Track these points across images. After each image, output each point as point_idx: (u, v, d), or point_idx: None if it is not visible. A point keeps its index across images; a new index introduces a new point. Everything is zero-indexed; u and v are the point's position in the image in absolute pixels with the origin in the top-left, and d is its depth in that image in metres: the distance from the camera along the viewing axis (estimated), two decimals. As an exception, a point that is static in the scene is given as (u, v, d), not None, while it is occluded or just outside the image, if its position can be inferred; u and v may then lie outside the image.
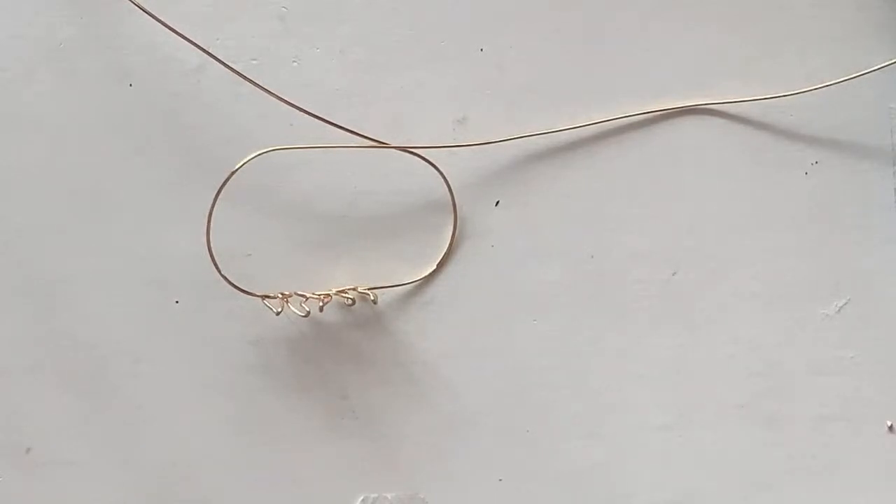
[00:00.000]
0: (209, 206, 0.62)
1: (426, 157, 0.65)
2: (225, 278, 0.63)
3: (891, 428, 0.67)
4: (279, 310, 0.63)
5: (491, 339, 0.66)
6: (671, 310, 0.66)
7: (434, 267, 0.66)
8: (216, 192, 0.62)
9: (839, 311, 0.67)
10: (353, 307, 0.66)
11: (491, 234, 0.66)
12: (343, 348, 0.66)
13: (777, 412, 0.66)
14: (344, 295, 0.65)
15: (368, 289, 0.65)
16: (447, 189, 0.66)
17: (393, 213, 0.66)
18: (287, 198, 0.66)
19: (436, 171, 0.65)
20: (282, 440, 0.66)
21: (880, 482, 0.67)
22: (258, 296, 0.64)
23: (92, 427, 0.66)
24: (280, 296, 0.64)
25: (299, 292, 0.64)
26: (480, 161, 0.66)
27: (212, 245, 0.63)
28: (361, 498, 0.66)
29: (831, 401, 0.67)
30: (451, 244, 0.66)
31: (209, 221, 0.62)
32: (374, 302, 0.65)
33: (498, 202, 0.66)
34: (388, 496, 0.66)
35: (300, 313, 0.64)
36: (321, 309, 0.64)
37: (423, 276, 0.66)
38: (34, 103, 0.65)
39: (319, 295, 0.64)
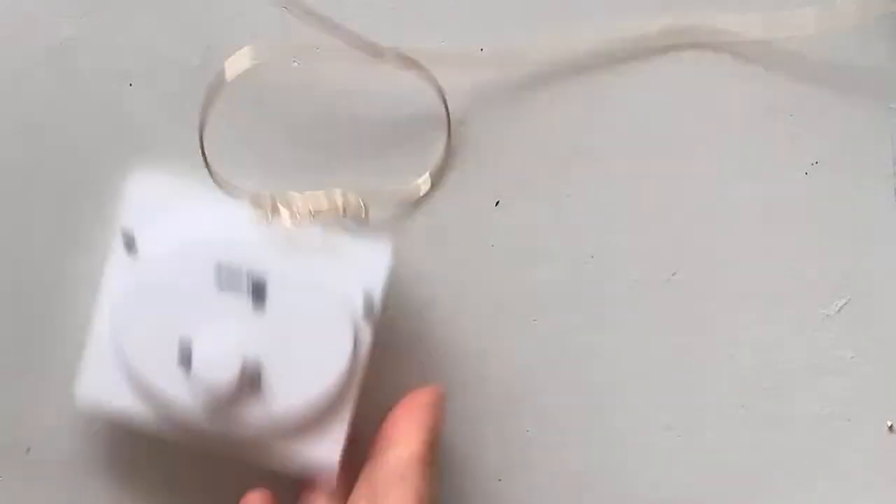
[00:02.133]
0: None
1: (420, 63, 0.65)
2: (216, 181, 0.63)
3: (891, 428, 0.67)
4: (267, 213, 0.62)
5: (491, 340, 0.66)
6: (671, 310, 0.66)
7: (428, 178, 0.66)
8: (208, 100, 0.62)
9: (839, 311, 0.67)
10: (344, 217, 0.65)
11: (491, 234, 0.66)
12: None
13: (777, 412, 0.66)
14: (334, 203, 0.64)
15: (361, 199, 0.63)
16: (441, 101, 0.65)
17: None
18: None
19: (429, 81, 0.65)
20: (282, 440, 0.66)
21: (880, 482, 0.67)
22: (246, 194, 0.63)
23: (92, 427, 0.66)
24: (269, 200, 0.63)
25: (288, 196, 0.64)
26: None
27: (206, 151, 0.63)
28: (361, 498, 0.66)
29: (831, 401, 0.67)
30: (445, 154, 0.65)
31: (202, 129, 0.62)
32: (365, 214, 0.64)
33: (498, 202, 0.66)
34: (388, 496, 0.66)
35: (288, 220, 0.62)
36: (311, 215, 0.63)
37: (416, 183, 0.66)
38: (34, 103, 0.65)
39: (309, 203, 0.64)
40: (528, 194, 0.66)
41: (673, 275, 0.67)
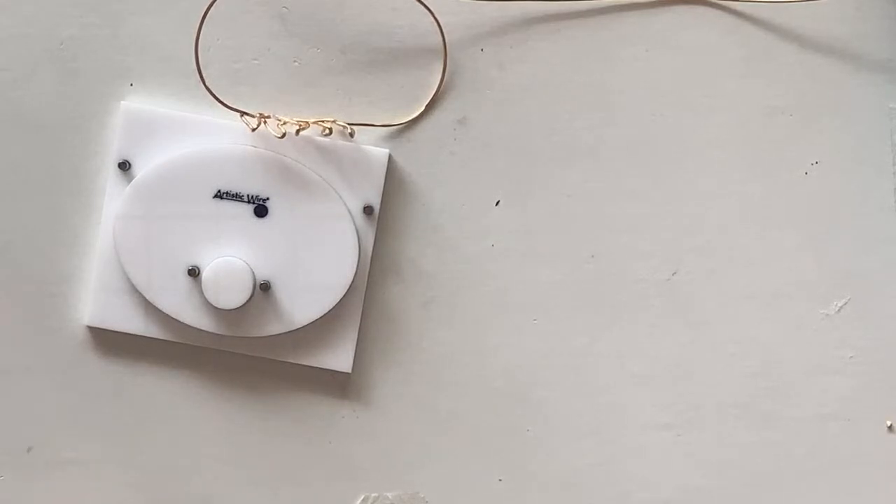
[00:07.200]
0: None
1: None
2: (208, 90, 0.63)
3: (890, 428, 0.67)
4: (255, 126, 0.63)
5: (491, 339, 0.66)
6: (671, 310, 0.66)
7: (422, 109, 0.66)
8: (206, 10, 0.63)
9: (839, 311, 0.67)
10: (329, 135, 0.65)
11: (491, 234, 0.66)
12: (343, 348, 0.66)
13: (777, 412, 0.66)
14: (322, 124, 0.64)
15: (348, 123, 0.65)
16: (441, 42, 0.65)
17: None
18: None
19: (426, 11, 0.65)
20: (282, 440, 0.66)
21: (880, 482, 0.67)
22: (236, 110, 0.63)
23: (92, 427, 0.66)
24: (258, 115, 0.63)
25: (278, 116, 0.64)
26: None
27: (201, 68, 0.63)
28: (361, 498, 0.66)
29: (831, 401, 0.67)
30: (439, 87, 0.65)
31: (197, 41, 0.63)
32: (351, 135, 0.64)
33: (498, 202, 0.66)
34: (389, 496, 0.66)
35: (276, 134, 0.63)
36: (297, 133, 0.64)
37: (407, 119, 0.65)
38: (34, 103, 0.65)
39: (298, 121, 0.64)
40: (528, 194, 0.66)
41: (673, 275, 0.67)
